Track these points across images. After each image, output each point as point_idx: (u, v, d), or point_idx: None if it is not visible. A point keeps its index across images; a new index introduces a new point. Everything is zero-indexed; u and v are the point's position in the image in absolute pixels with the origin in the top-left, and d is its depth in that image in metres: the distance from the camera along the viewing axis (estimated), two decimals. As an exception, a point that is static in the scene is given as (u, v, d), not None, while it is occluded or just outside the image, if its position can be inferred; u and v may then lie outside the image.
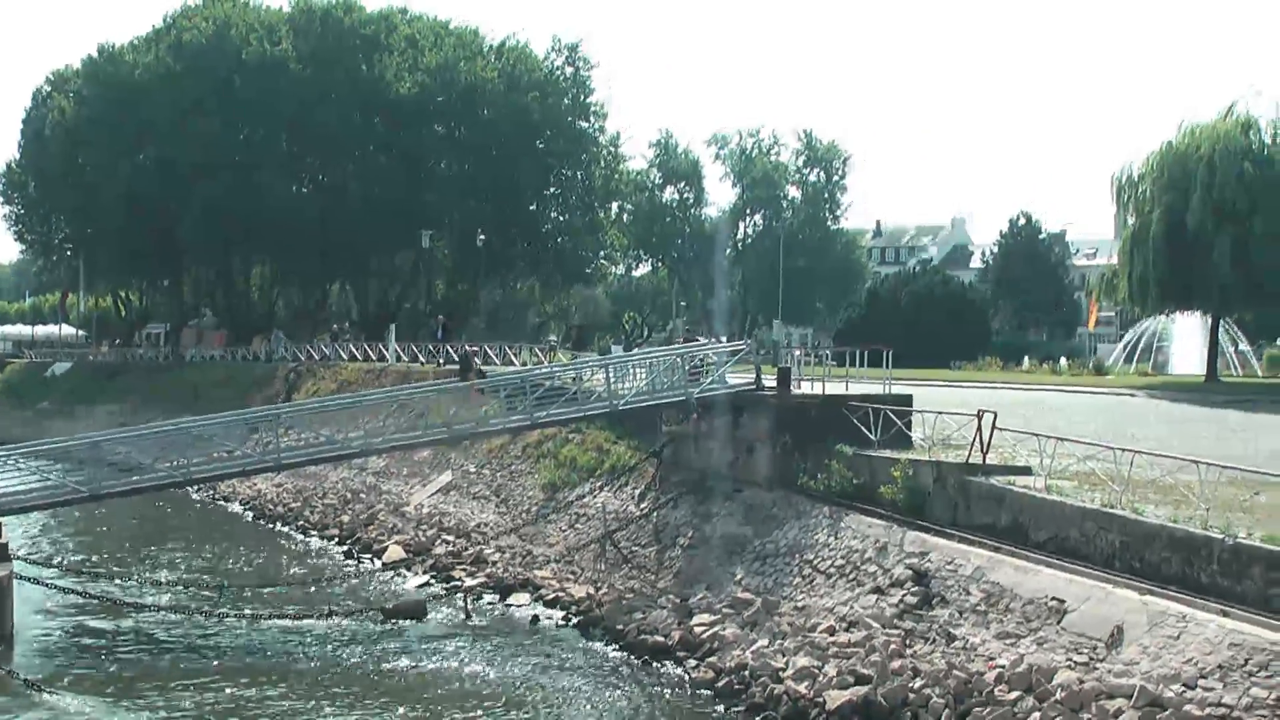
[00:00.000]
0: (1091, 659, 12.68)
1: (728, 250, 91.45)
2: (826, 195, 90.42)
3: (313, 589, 21.62)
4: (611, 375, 22.34)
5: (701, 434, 22.07)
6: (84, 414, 50.69)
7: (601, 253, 70.15)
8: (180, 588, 21.53)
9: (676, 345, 28.41)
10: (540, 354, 37.70)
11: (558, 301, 75.02)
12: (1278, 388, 35.33)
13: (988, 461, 16.52)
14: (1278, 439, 20.47)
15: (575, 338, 34.11)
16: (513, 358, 36.89)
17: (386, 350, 43.98)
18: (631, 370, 23.43)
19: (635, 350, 47.73)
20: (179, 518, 31.71)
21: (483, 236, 56.69)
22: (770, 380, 21.57)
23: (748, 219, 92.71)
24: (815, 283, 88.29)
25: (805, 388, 21.72)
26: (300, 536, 28.79)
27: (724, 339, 69.00)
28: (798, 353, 24.35)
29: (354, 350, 46.45)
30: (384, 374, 40.57)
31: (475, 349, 32.34)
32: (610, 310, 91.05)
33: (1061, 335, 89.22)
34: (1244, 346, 49.40)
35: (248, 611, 19.75)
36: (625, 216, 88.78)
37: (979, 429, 16.48)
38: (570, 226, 65.63)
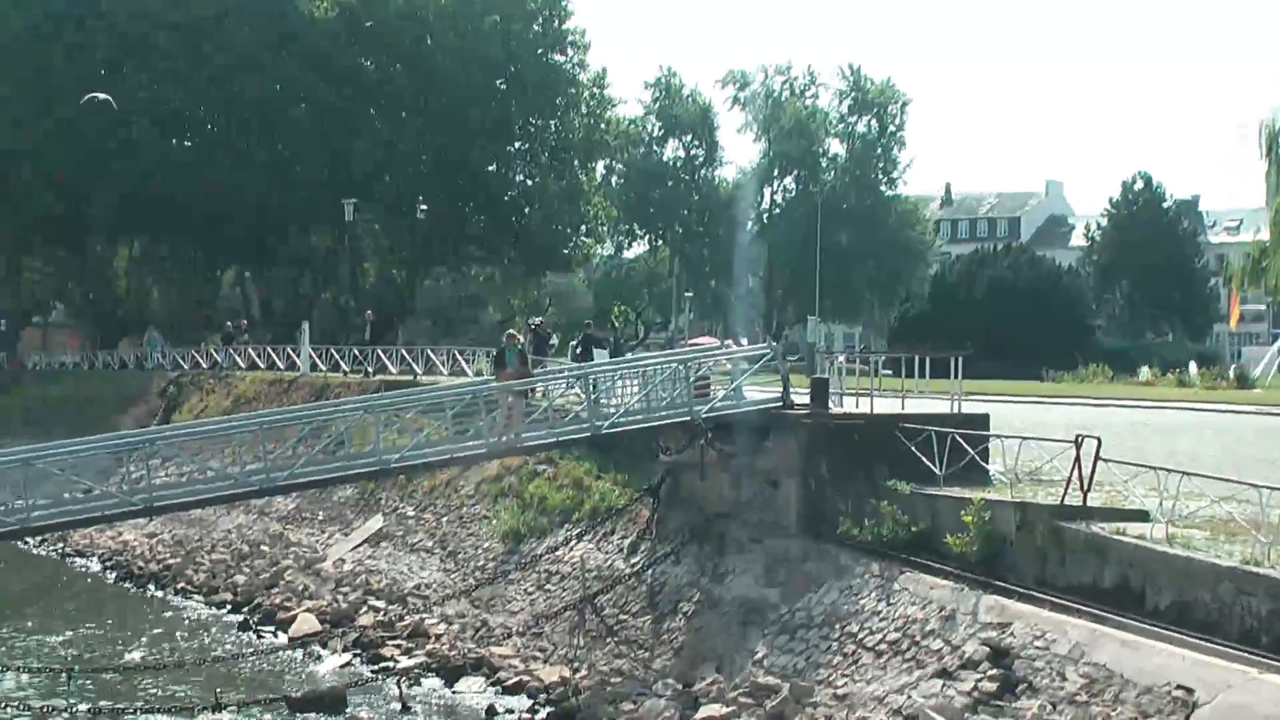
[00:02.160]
0: (1229, 767, 12.56)
1: (749, 224, 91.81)
2: (879, 151, 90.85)
3: (196, 673, 21.49)
4: (593, 389, 22.26)
5: (711, 465, 22.05)
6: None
7: (583, 227, 70.38)
8: (14, 675, 21.38)
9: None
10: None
11: (525, 292, 75.21)
12: None
13: (1089, 503, 16.43)
14: None
15: (534, 340, 34.18)
16: (465, 365, 37.01)
17: (298, 356, 44.05)
18: (620, 382, 23.38)
19: (630, 355, 47.79)
20: (15, 580, 31.57)
21: (424, 207, 56.68)
22: (802, 395, 21.52)
23: (775, 182, 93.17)
24: (864, 266, 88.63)
25: (848, 405, 21.70)
26: (180, 602, 28.71)
27: (743, 341, 69.24)
28: (840, 359, 24.26)
29: (254, 356, 46.46)
30: (294, 387, 40.64)
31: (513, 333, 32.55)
32: (592, 304, 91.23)
33: (1192, 335, 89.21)
34: None
35: (105, 705, 19.61)
36: (614, 179, 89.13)
37: (1077, 460, 16.39)
38: (541, 193, 65.96)
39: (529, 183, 67.52)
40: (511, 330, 26.85)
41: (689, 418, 21.60)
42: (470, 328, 67.75)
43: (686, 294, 79.77)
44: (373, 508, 31.19)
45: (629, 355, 52.92)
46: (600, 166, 79.76)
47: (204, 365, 48.60)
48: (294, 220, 60.60)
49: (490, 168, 65.45)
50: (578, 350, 33.58)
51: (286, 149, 59.65)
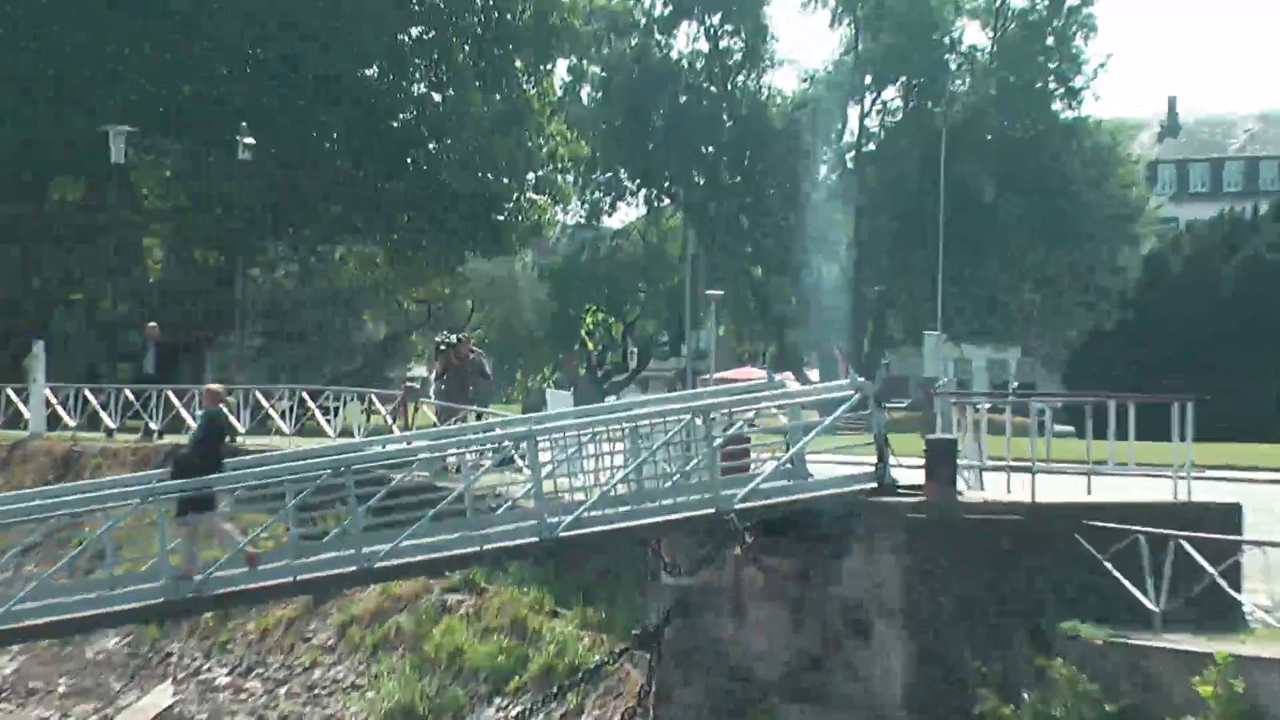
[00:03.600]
0: None
1: (822, 170, 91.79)
2: (1050, 41, 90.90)
3: None
4: (546, 459, 22.31)
5: (751, 595, 22.11)
6: None
7: (530, 175, 70.32)
8: None
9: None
10: (383, 407, 37.80)
11: (430, 288, 75.07)
12: None
13: None
14: None
15: (445, 369, 34.34)
16: (321, 419, 37.06)
17: (26, 403, 43.89)
18: (592, 446, 23.34)
19: (614, 399, 47.56)
20: None
21: (250, 141, 56.60)
22: (913, 469, 21.51)
23: (868, 97, 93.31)
24: (1022, 242, 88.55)
25: (993, 486, 21.72)
26: None
27: (812, 375, 68.71)
28: (980, 405, 24.19)
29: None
30: (19, 457, 40.68)
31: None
32: (550, 307, 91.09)
33: None
34: None
35: None
36: (585, 93, 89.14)
37: (1399, 583, 16.34)
38: (457, 115, 65.87)
39: (436, 98, 67.47)
40: (213, 386, 25.35)
41: (713, 509, 21.54)
42: (334, 349, 67.59)
43: (713, 292, 79.55)
44: (155, 671, 31.04)
45: (613, 399, 52.93)
46: (562, 70, 79.91)
47: None
48: (10, 165, 60.54)
49: (369, 70, 65.41)
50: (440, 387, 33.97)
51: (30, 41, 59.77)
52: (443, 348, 36.22)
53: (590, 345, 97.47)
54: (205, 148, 60.19)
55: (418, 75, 67.82)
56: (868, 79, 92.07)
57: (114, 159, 52.05)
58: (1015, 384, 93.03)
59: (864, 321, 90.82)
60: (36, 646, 29.63)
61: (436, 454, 25.70)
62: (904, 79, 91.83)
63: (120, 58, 59.73)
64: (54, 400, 43.27)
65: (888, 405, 23.54)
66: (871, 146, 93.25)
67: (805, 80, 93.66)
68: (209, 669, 30.26)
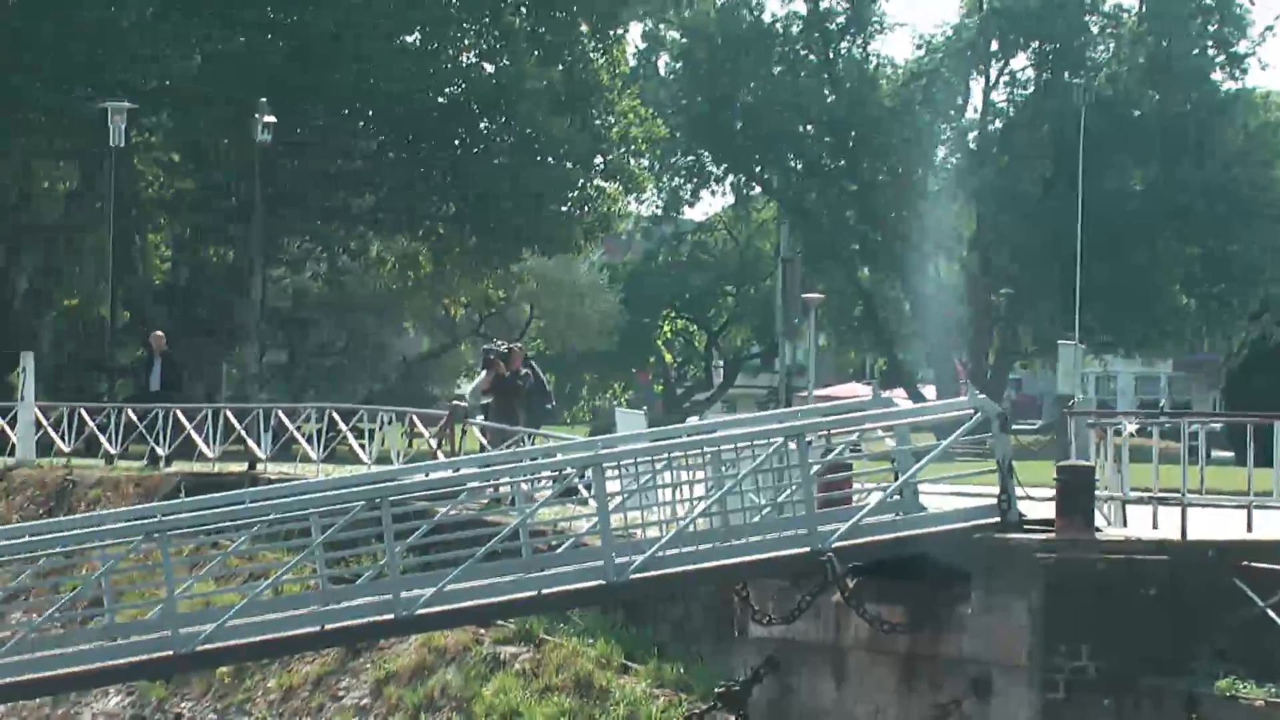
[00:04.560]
0: None
1: (940, 153, 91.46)
2: (1209, 1, 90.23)
3: None
4: (614, 490, 22.45)
5: (851, 646, 22.13)
6: None
7: (598, 160, 70.18)
8: None
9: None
10: (426, 429, 37.87)
11: (480, 289, 75.04)
12: None
13: None
14: None
15: (497, 384, 34.35)
16: (354, 444, 37.17)
17: (12, 426, 43.95)
18: (667, 475, 23.37)
19: (695, 420, 47.57)
20: None
21: (270, 119, 56.98)
22: (1043, 501, 21.50)
23: (993, 68, 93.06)
24: (1174, 238, 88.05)
25: (1136, 521, 21.69)
26: None
27: (928, 392, 68.41)
28: (1126, 427, 24.15)
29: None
30: (4, 485, 41.00)
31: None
32: (620, 313, 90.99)
33: None
34: None
35: None
36: (663, 63, 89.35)
37: None
38: (512, 90, 65.83)
39: (486, 69, 67.48)
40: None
41: (808, 548, 21.59)
42: (366, 363, 67.70)
43: (812, 296, 79.49)
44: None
45: (696, 420, 52.98)
46: (635, 35, 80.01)
47: None
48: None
49: (407, 38, 65.46)
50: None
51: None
52: (491, 358, 36.29)
53: (668, 358, 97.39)
54: (217, 127, 60.29)
55: (465, 42, 67.79)
56: (994, 45, 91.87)
57: (112, 141, 52.02)
58: (1165, 402, 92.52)
59: (988, 330, 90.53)
60: (25, 707, 29.76)
61: (487, 483, 25.78)
62: (1036, 45, 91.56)
63: (118, 23, 59.85)
64: (45, 422, 43.34)
65: (1015, 427, 23.43)
66: (998, 125, 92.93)
67: (920, 47, 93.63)
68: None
